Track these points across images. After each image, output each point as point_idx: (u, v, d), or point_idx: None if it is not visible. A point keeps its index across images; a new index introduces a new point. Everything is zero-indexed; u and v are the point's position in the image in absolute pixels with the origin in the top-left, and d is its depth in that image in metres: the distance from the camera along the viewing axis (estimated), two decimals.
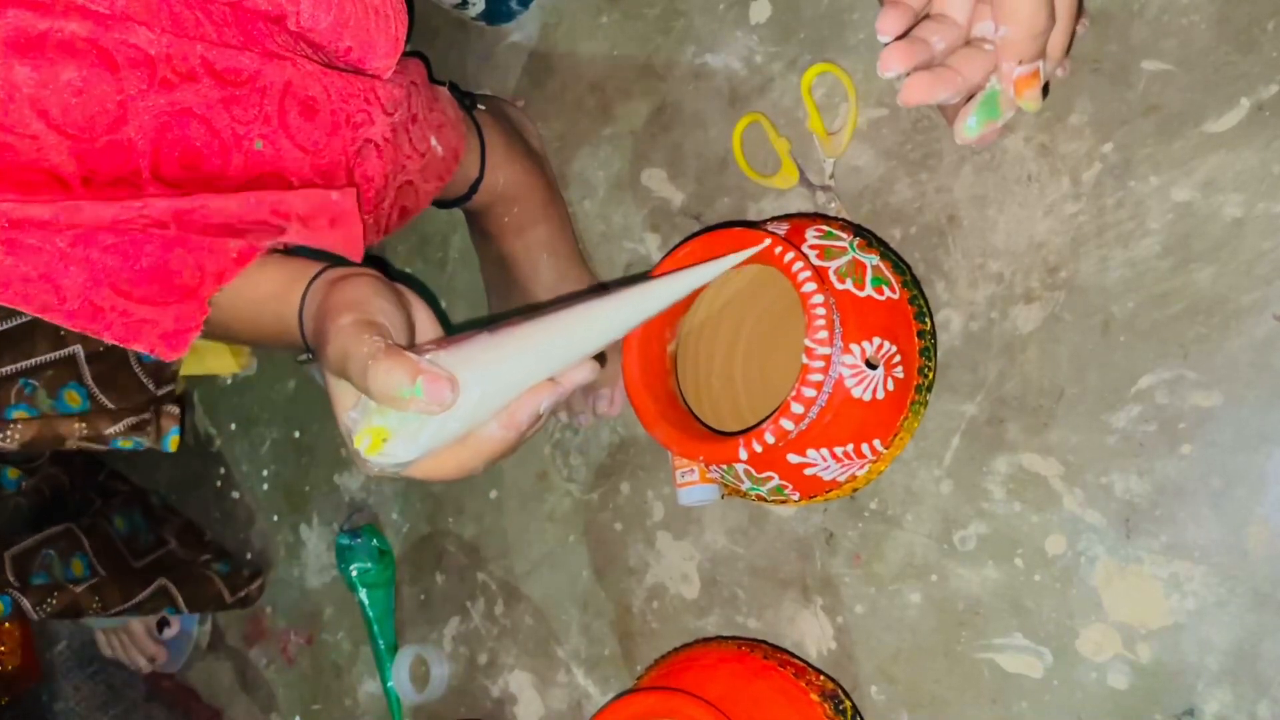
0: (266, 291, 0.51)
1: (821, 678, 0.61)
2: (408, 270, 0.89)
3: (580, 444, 0.77)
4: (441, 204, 0.71)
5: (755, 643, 0.64)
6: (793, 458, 0.53)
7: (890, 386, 0.53)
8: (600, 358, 0.46)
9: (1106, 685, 0.54)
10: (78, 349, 0.76)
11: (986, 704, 0.58)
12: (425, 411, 0.41)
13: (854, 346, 0.52)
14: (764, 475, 0.55)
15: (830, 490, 0.56)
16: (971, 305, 0.59)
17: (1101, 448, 0.54)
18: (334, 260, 0.51)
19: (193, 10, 0.44)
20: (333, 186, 0.52)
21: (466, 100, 0.71)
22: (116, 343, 0.48)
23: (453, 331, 0.48)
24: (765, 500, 0.59)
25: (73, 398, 0.78)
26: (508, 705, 0.80)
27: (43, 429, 0.75)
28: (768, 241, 0.52)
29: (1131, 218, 0.54)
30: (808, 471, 0.54)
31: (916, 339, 0.55)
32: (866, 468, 0.55)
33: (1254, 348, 0.50)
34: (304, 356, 0.51)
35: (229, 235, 0.50)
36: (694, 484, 0.66)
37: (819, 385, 0.50)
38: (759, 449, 0.50)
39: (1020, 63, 0.45)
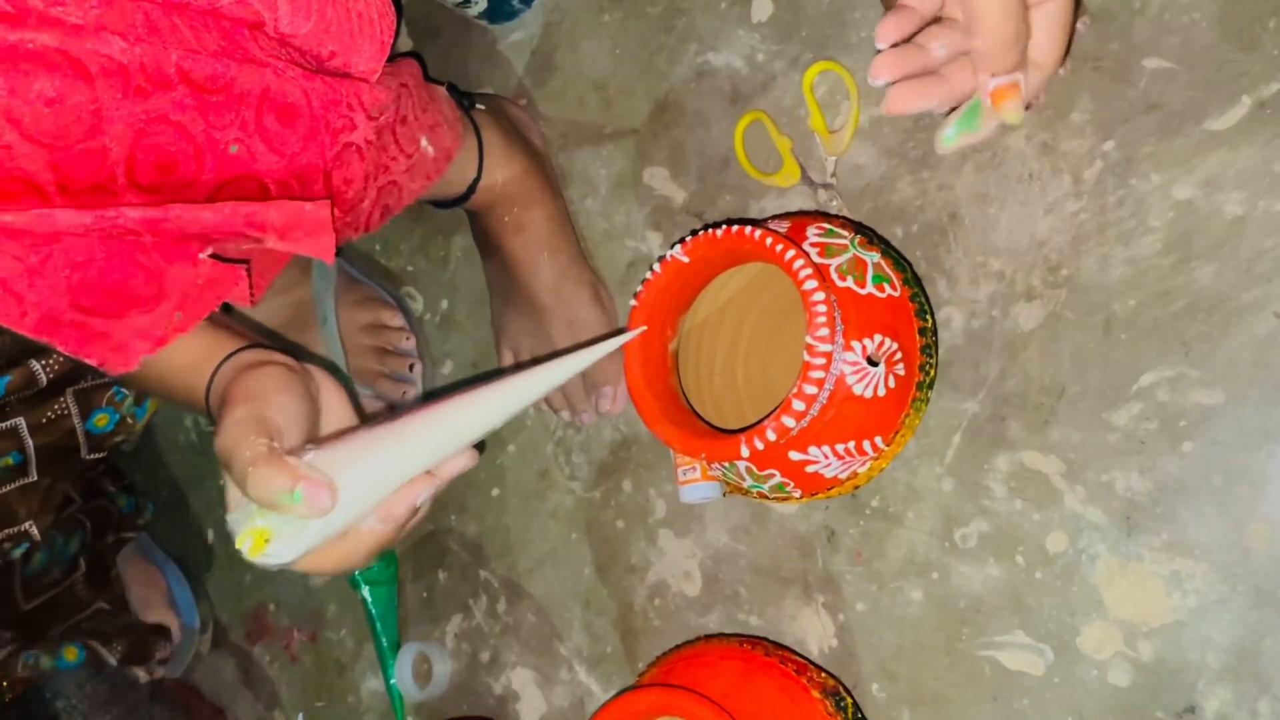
0: (182, 362, 0.52)
1: (823, 675, 0.61)
2: (409, 269, 0.89)
3: (582, 442, 0.77)
4: (440, 204, 0.71)
5: (757, 640, 0.64)
6: (794, 455, 0.54)
7: (891, 384, 0.53)
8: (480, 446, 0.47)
9: (1108, 683, 0.54)
10: (19, 421, 0.80)
11: (988, 701, 0.58)
12: (305, 516, 0.43)
13: (855, 344, 0.52)
14: (766, 473, 0.56)
15: (832, 488, 0.56)
16: (973, 303, 0.59)
17: (1103, 445, 0.54)
18: (259, 332, 0.52)
19: (170, 17, 0.44)
20: (309, 190, 0.52)
21: (465, 100, 0.71)
22: (70, 354, 0.50)
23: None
24: (767, 498, 0.59)
25: (6, 463, 0.82)
26: (510, 702, 0.80)
27: None
28: (639, 331, 0.54)
29: (1133, 215, 0.54)
30: (809, 469, 0.54)
31: (918, 336, 0.55)
32: (868, 465, 0.55)
33: (1255, 345, 0.50)
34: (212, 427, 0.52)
35: (205, 243, 0.50)
36: (696, 482, 0.67)
37: (820, 382, 0.50)
38: (760, 446, 0.51)
39: (994, 74, 0.45)
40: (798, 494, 0.57)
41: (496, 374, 0.48)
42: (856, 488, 0.58)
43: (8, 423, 0.80)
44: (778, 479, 0.56)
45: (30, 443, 0.82)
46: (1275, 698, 0.50)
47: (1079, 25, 0.55)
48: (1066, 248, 0.56)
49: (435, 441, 0.46)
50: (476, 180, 0.69)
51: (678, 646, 0.66)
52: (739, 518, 0.68)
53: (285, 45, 0.50)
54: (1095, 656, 0.54)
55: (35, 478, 0.84)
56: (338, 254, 0.90)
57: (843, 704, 0.58)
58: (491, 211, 0.73)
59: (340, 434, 0.47)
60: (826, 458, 0.54)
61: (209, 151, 0.46)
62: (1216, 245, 0.52)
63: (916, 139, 0.62)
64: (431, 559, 0.87)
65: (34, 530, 0.85)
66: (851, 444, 0.54)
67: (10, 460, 0.82)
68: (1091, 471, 0.55)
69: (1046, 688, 0.56)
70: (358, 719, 0.92)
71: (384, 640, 0.87)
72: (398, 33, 0.91)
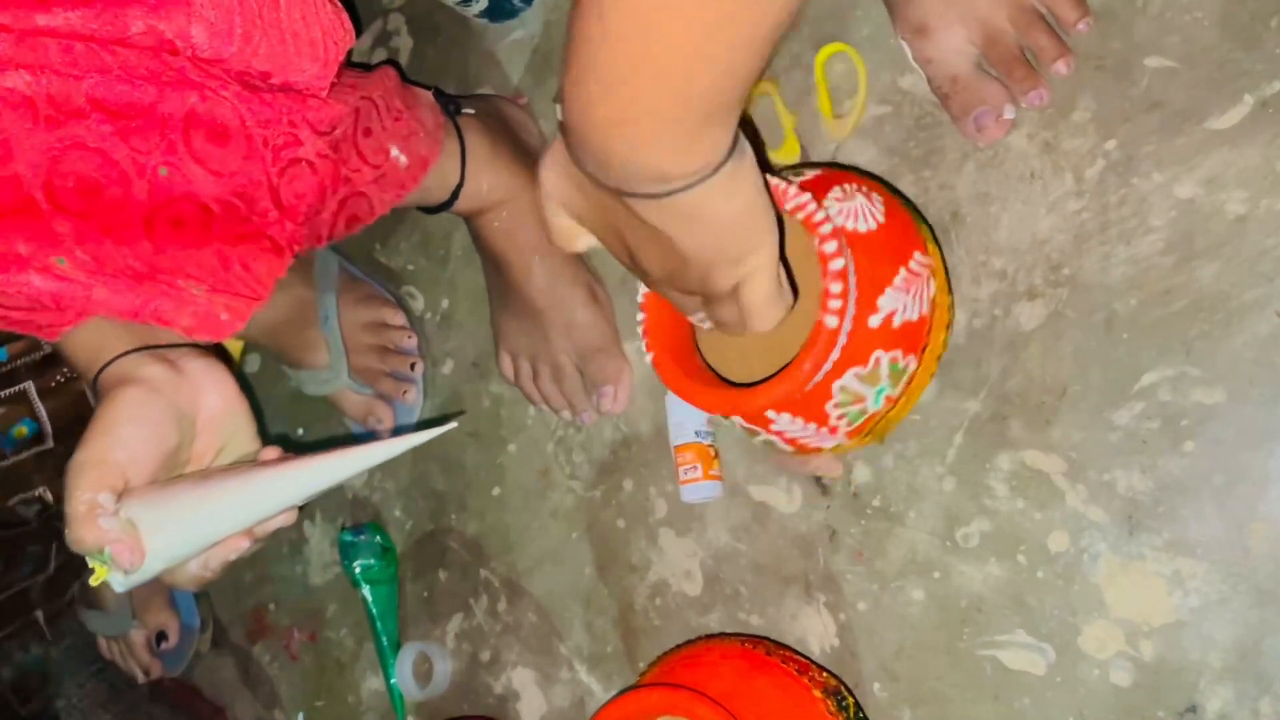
0: (78, 360, 0.55)
1: (824, 674, 0.61)
2: (410, 268, 0.89)
3: (583, 441, 0.77)
4: (426, 210, 0.71)
5: (758, 639, 0.64)
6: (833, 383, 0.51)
7: (925, 308, 0.52)
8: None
9: (1109, 682, 0.54)
10: (28, 385, 0.83)
11: (989, 701, 0.58)
12: (115, 571, 0.48)
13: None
14: (796, 421, 0.54)
15: (867, 427, 0.55)
16: (975, 302, 0.59)
17: (1104, 445, 0.54)
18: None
19: (89, 45, 0.45)
20: (255, 207, 0.53)
21: (451, 105, 0.71)
22: None
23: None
24: (797, 445, 0.56)
25: (21, 432, 0.82)
26: (510, 702, 0.80)
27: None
28: (450, 426, 0.54)
29: (1134, 215, 0.54)
30: (841, 409, 0.52)
31: (931, 250, 0.54)
32: (901, 389, 0.53)
33: (1257, 344, 0.50)
34: None
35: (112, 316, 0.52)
36: (697, 481, 0.67)
37: (844, 293, 0.48)
38: (809, 369, 0.49)
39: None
40: (829, 442, 0.55)
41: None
42: (886, 431, 0.56)
43: (16, 387, 0.81)
44: (811, 428, 0.54)
45: (41, 407, 0.83)
46: (1277, 697, 0.50)
47: (1081, 25, 0.55)
48: (1068, 247, 0.56)
49: (255, 507, 0.50)
50: (459, 186, 0.69)
51: (678, 646, 0.66)
52: (740, 517, 0.68)
53: (219, 66, 0.50)
54: (1097, 656, 0.54)
55: (52, 445, 0.85)
56: (338, 252, 0.90)
57: (844, 703, 0.58)
58: (481, 216, 0.73)
59: (174, 481, 0.51)
60: (862, 377, 0.52)
61: (137, 175, 0.48)
62: (1218, 244, 0.51)
63: (918, 138, 0.62)
64: (432, 558, 0.87)
65: (48, 495, 0.86)
66: (899, 352, 0.52)
67: (25, 429, 0.82)
68: (1093, 471, 0.55)
69: (1048, 687, 0.56)
70: (358, 719, 0.92)
71: (384, 640, 0.87)
72: (384, 40, 0.91)
